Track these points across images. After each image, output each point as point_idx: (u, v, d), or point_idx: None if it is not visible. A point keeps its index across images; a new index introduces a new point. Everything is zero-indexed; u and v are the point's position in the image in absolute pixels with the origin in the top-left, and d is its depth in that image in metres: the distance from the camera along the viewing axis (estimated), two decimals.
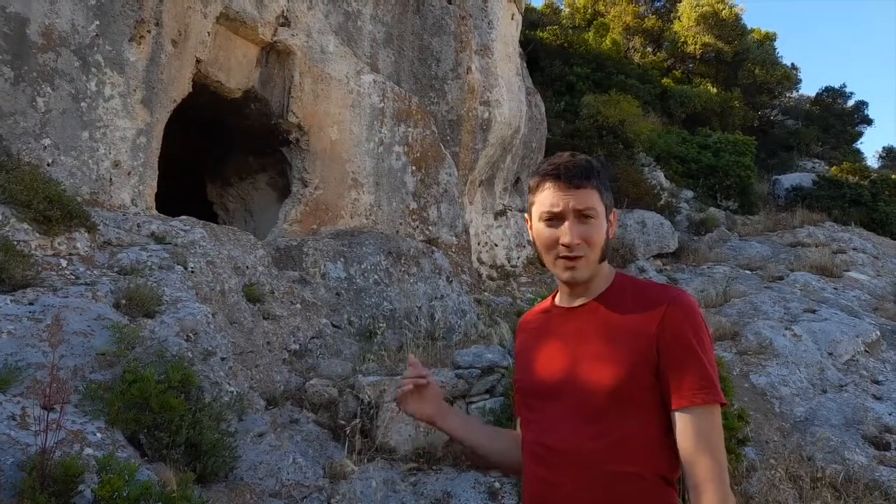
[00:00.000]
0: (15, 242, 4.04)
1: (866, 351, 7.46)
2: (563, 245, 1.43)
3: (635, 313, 1.44)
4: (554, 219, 1.44)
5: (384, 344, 6.01)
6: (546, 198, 1.45)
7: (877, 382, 6.82)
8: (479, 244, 10.40)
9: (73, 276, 4.20)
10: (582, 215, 1.43)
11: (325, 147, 7.65)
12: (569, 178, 1.44)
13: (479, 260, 10.28)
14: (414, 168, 8.49)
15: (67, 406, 2.95)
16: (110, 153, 5.53)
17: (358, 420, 4.54)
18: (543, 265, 1.52)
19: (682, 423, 1.36)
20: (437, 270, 7.66)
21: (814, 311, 8.14)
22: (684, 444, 1.36)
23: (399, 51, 8.77)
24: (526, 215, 1.58)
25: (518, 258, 11.10)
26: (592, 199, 1.45)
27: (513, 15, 10.73)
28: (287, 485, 3.74)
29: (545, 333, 1.56)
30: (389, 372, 5.00)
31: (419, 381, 1.64)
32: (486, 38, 9.76)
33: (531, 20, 17.84)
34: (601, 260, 1.48)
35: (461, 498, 3.91)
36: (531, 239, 1.55)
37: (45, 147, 5.07)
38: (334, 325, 6.29)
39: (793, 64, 22.73)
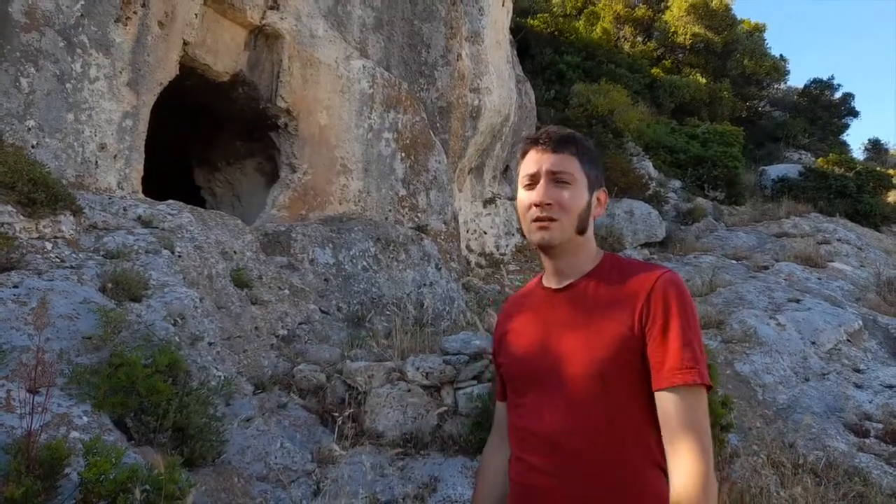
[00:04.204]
0: None
1: (848, 340, 7.56)
2: (533, 205, 1.43)
3: (619, 294, 1.40)
4: (532, 183, 1.46)
5: (372, 330, 6.01)
6: (526, 163, 1.48)
7: (858, 371, 6.93)
8: (467, 232, 10.41)
9: (58, 260, 4.15)
10: (557, 178, 1.43)
11: (314, 132, 7.60)
12: (547, 142, 1.46)
13: (467, 247, 10.29)
14: (403, 155, 8.45)
15: (53, 389, 2.93)
16: (96, 136, 5.46)
17: (346, 405, 4.55)
18: (523, 234, 1.53)
19: (663, 404, 1.32)
20: (426, 257, 7.66)
21: (798, 301, 8.24)
22: (664, 425, 1.32)
23: (389, 36, 8.70)
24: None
25: (507, 246, 11.12)
26: (570, 164, 1.45)
27: (503, 2, 10.68)
28: (275, 469, 3.75)
29: (529, 316, 1.53)
30: (378, 358, 5.01)
31: None
32: (476, 24, 9.71)
33: (522, 7, 17.76)
34: (580, 231, 1.45)
35: (448, 482, 3.94)
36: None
37: (30, 129, 4.99)
38: (322, 311, 6.27)
39: (781, 55, 22.89)
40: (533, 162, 1.46)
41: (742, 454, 4.78)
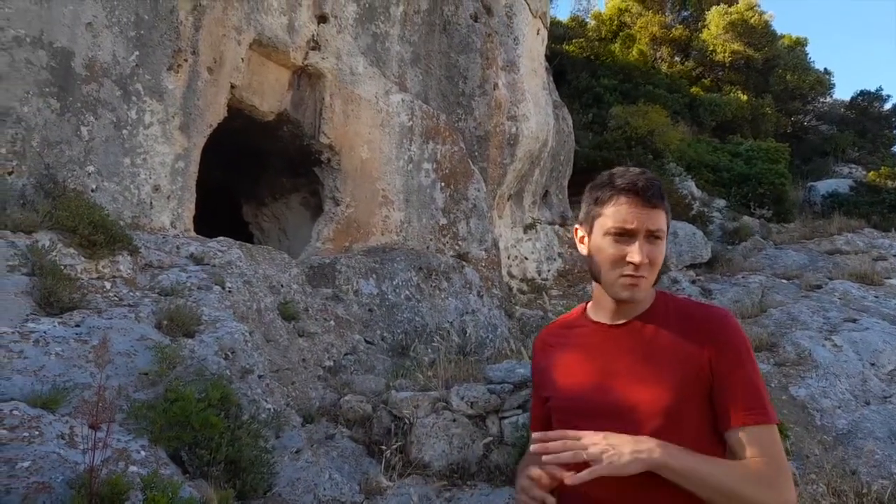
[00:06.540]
0: (62, 267, 4.20)
1: None
2: (632, 263, 1.42)
3: (683, 335, 1.44)
4: (625, 235, 1.43)
5: (416, 359, 6.06)
6: (620, 213, 1.43)
7: None
8: (509, 258, 10.41)
9: (116, 298, 4.35)
10: (652, 236, 1.43)
11: (356, 166, 7.78)
12: (647, 197, 1.42)
13: (509, 274, 10.28)
14: (443, 184, 8.57)
15: (113, 425, 3.06)
16: (150, 178, 5.72)
17: (392, 435, 4.58)
18: (597, 279, 1.50)
19: (742, 440, 1.36)
20: (468, 285, 7.70)
21: (854, 321, 7.94)
22: (745, 455, 1.35)
23: (426, 70, 8.89)
24: (577, 226, 1.55)
25: (548, 271, 11.07)
26: (663, 220, 1.45)
27: (538, 30, 10.80)
28: (324, 501, 3.80)
29: (580, 350, 1.54)
30: (422, 387, 5.04)
31: None
32: (511, 54, 9.84)
33: (557, 34, 17.90)
34: (657, 280, 1.49)
35: None
36: (585, 252, 1.52)
37: (90, 174, 5.27)
38: (367, 342, 6.36)
39: (825, 69, 22.45)
40: (630, 216, 1.42)
41: (800, 483, 4.62)
